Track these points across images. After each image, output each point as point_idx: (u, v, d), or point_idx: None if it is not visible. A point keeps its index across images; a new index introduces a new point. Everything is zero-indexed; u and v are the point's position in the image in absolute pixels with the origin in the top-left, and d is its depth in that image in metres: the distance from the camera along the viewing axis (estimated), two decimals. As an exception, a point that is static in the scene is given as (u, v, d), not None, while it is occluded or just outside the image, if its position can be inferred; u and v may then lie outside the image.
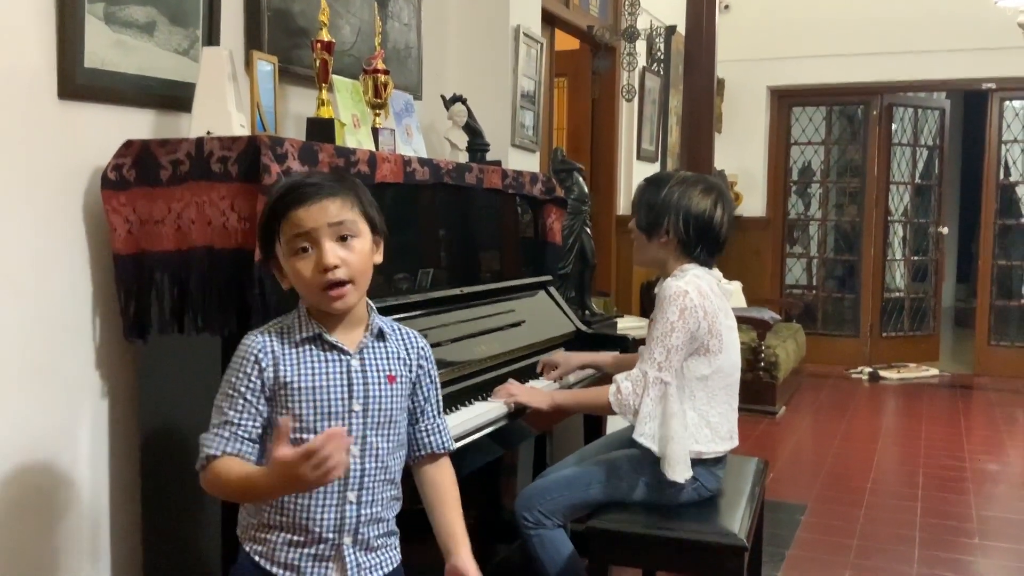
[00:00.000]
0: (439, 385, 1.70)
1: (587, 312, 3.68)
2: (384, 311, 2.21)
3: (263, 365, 1.49)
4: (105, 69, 2.02)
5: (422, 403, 1.65)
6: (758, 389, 5.55)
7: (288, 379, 1.50)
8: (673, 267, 2.31)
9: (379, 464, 1.54)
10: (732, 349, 2.29)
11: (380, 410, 1.54)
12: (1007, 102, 7.12)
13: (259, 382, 1.49)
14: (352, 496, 1.52)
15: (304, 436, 1.48)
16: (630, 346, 3.02)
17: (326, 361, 1.52)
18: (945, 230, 7.72)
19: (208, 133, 1.99)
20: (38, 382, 1.93)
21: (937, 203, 7.68)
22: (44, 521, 1.97)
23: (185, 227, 1.93)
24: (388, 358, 1.58)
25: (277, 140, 1.90)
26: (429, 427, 1.66)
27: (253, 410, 1.49)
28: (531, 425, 2.45)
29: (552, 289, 3.11)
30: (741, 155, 7.42)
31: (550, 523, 2.28)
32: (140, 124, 2.14)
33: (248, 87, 2.19)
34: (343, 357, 1.53)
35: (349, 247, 1.51)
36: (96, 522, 2.09)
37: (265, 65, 2.22)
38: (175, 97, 2.19)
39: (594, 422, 3.03)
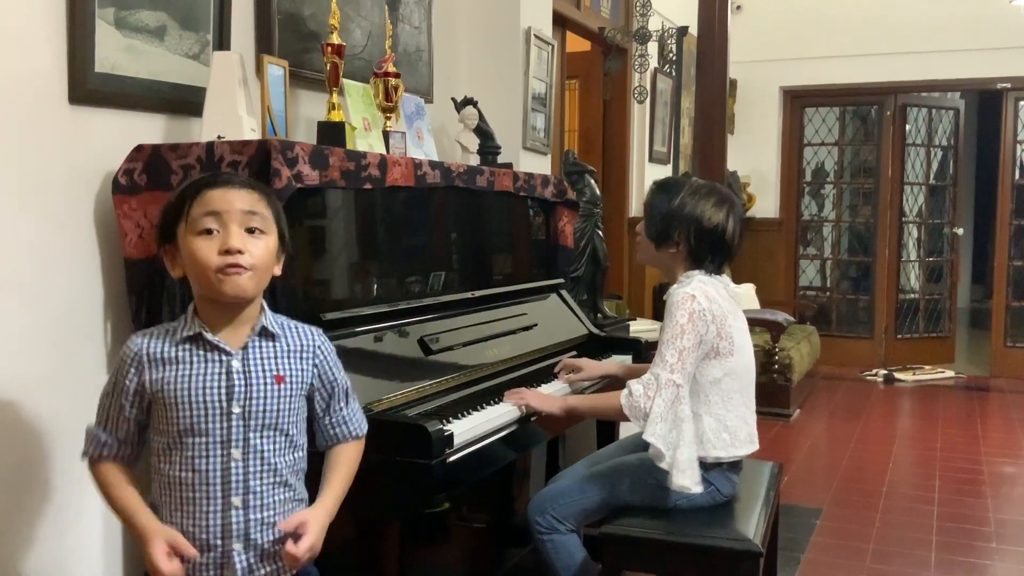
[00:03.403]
0: (343, 375, 1.67)
1: (599, 315, 3.67)
2: (396, 315, 2.23)
3: (141, 366, 1.50)
4: (116, 74, 2.02)
5: (326, 397, 1.63)
6: (772, 392, 5.51)
7: (165, 381, 1.49)
8: (680, 274, 2.29)
9: (265, 466, 1.52)
10: (744, 351, 2.27)
11: (264, 411, 1.52)
12: (1022, 102, 7.06)
13: (132, 386, 1.51)
14: (237, 501, 1.50)
15: (184, 439, 1.49)
16: (642, 349, 3.01)
17: (205, 361, 1.51)
18: (960, 231, 7.67)
19: (219, 137, 1.99)
20: (49, 387, 1.93)
21: (952, 204, 7.63)
22: (57, 526, 1.97)
23: (196, 231, 1.92)
24: (276, 357, 1.56)
25: (288, 144, 1.90)
26: (334, 420, 1.65)
27: (127, 413, 1.52)
28: (544, 429, 2.43)
29: (564, 292, 3.10)
30: (754, 156, 7.39)
31: (563, 528, 2.26)
32: (151, 129, 2.14)
33: (259, 91, 2.19)
34: (223, 357, 1.51)
35: (256, 240, 1.50)
36: (108, 526, 2.08)
37: (276, 69, 2.22)
38: (186, 101, 2.19)
39: (607, 426, 3.01)
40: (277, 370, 1.54)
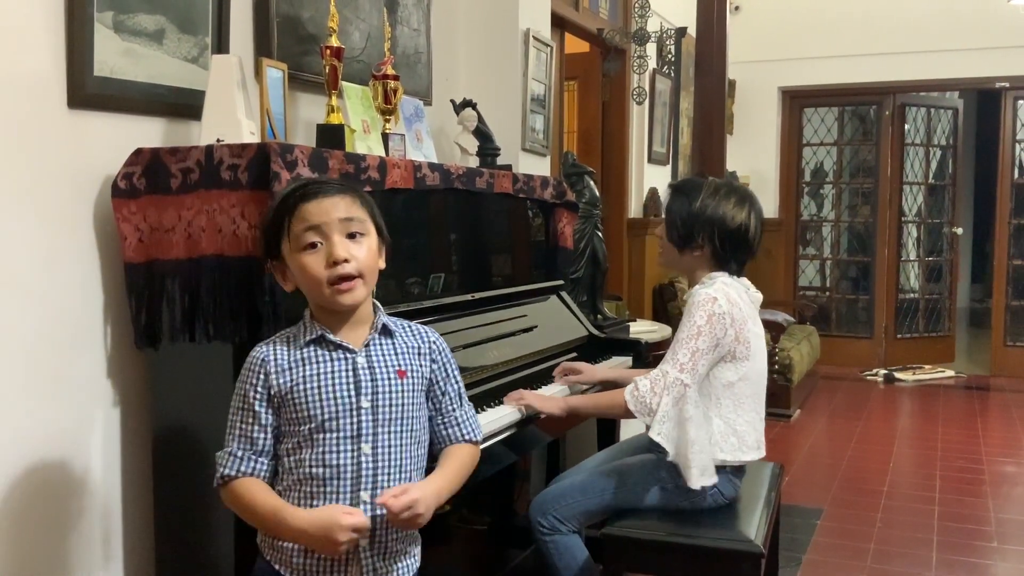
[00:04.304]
0: (458, 377, 1.69)
1: (599, 316, 3.67)
2: (395, 317, 2.22)
3: (268, 371, 1.52)
4: (114, 77, 2.02)
5: (439, 397, 1.65)
6: (772, 392, 5.44)
7: (294, 383, 1.52)
8: (702, 275, 2.29)
9: (391, 461, 1.54)
10: (759, 357, 2.27)
11: (390, 406, 1.55)
12: (1021, 101, 7.07)
13: (266, 392, 1.52)
14: (366, 496, 1.52)
15: (316, 436, 1.51)
16: (643, 350, 3.01)
17: (331, 360, 1.54)
18: (959, 230, 7.67)
19: (218, 141, 1.99)
20: (50, 390, 1.93)
21: (951, 203, 7.64)
22: (57, 528, 1.97)
23: (195, 235, 1.93)
24: (396, 353, 1.59)
25: (287, 147, 1.90)
26: (447, 421, 1.66)
27: (264, 421, 1.52)
28: (544, 430, 2.43)
29: (564, 294, 3.10)
30: (753, 157, 7.40)
31: (565, 529, 2.26)
32: (150, 132, 2.14)
33: (258, 94, 2.19)
34: (348, 355, 1.55)
35: (358, 244, 1.53)
36: (108, 529, 2.08)
37: (274, 72, 2.21)
38: (185, 105, 2.19)
39: (608, 427, 3.01)
40: (399, 365, 1.57)
